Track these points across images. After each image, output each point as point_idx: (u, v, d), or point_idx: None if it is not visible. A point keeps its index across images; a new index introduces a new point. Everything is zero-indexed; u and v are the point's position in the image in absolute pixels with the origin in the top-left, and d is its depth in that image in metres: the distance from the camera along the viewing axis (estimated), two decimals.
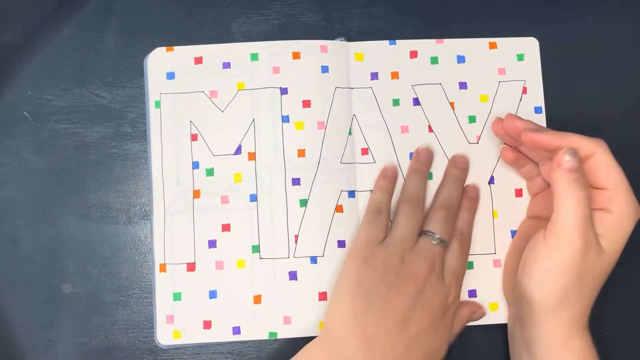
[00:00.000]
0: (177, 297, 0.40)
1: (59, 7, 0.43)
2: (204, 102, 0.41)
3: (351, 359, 0.34)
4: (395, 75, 0.42)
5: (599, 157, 0.35)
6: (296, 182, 0.41)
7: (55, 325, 0.40)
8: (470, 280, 0.41)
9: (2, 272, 0.40)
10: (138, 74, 0.42)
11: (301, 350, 0.36)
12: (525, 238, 0.38)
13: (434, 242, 0.37)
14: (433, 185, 0.41)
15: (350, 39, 0.43)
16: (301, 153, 0.41)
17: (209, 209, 0.41)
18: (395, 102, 0.42)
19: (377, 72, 0.42)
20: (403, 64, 0.42)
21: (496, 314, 0.40)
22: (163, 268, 0.40)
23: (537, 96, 0.42)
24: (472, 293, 0.41)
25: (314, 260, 0.40)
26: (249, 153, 0.41)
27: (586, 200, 0.34)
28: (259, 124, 0.41)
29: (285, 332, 0.40)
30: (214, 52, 0.42)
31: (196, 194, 0.41)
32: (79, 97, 0.42)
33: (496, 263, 0.41)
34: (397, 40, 0.43)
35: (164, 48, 0.42)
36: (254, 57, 0.42)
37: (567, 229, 0.34)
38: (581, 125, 0.43)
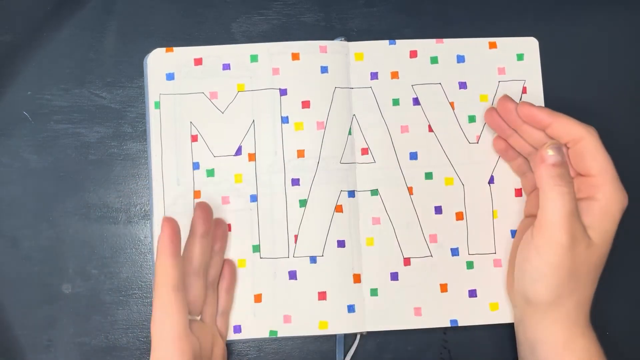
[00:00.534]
0: None
1: (59, 7, 0.43)
2: (204, 103, 0.41)
3: None
4: (395, 75, 0.42)
5: (586, 143, 0.35)
6: (296, 182, 0.41)
7: (55, 325, 0.40)
8: (470, 280, 0.41)
9: (2, 272, 0.40)
10: (138, 74, 0.42)
11: None
12: None
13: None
14: (434, 185, 0.41)
15: (350, 39, 0.43)
16: (301, 153, 0.41)
17: None
18: (395, 102, 0.42)
19: (377, 72, 0.42)
20: (403, 63, 0.42)
21: (496, 314, 0.40)
22: None
23: (537, 96, 0.42)
24: (472, 293, 0.41)
25: (313, 260, 0.40)
26: (249, 154, 0.41)
27: (570, 194, 0.33)
28: (259, 125, 0.41)
29: (286, 331, 0.40)
30: (214, 53, 0.42)
31: (196, 194, 0.41)
32: (79, 97, 0.42)
33: (496, 263, 0.41)
34: (397, 40, 0.43)
35: (164, 49, 0.42)
36: (254, 58, 0.42)
37: (552, 225, 0.33)
38: None
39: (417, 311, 0.40)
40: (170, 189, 0.41)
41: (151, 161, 0.41)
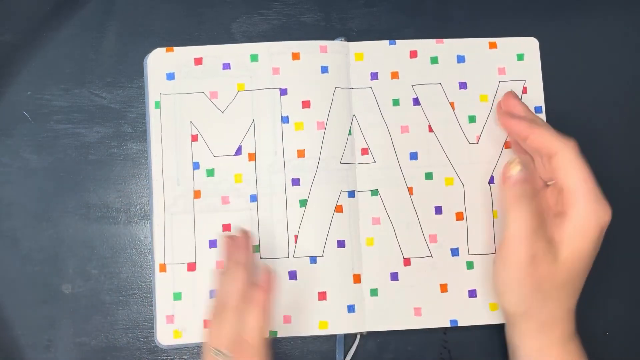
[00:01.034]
0: (177, 297, 0.40)
1: (59, 7, 0.43)
2: (204, 103, 0.41)
3: None
4: (395, 75, 0.42)
5: (560, 157, 0.35)
6: (296, 182, 0.41)
7: (55, 325, 0.40)
8: (470, 280, 0.41)
9: (2, 272, 0.40)
10: (138, 74, 0.42)
11: None
12: None
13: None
14: (434, 185, 0.41)
15: (350, 39, 0.43)
16: (301, 153, 0.41)
17: (210, 210, 0.41)
18: (395, 102, 0.42)
19: (377, 72, 0.42)
20: (403, 64, 0.42)
21: (496, 314, 0.40)
22: (163, 268, 0.40)
23: (537, 96, 0.42)
24: (472, 293, 0.41)
25: (313, 260, 0.40)
26: (249, 154, 0.41)
27: (531, 212, 0.34)
28: (259, 124, 0.41)
29: (285, 331, 0.40)
30: (214, 52, 0.42)
31: (197, 194, 0.41)
32: (79, 97, 0.42)
33: None
34: (397, 40, 0.43)
35: (164, 49, 0.42)
36: (254, 58, 0.42)
37: (513, 243, 0.34)
38: (581, 124, 0.43)
39: (417, 311, 0.40)
40: (171, 189, 0.41)
41: (151, 161, 0.41)
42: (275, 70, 0.42)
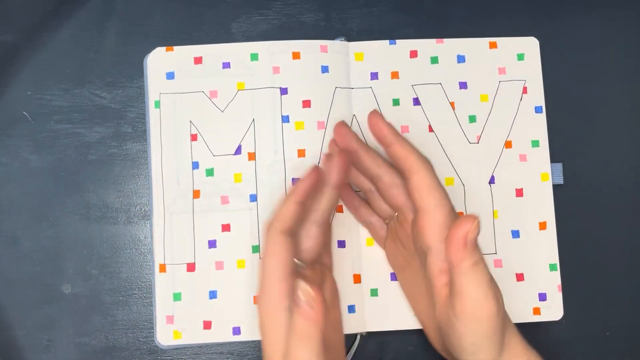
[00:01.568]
0: (177, 297, 0.40)
1: (59, 7, 0.43)
2: (203, 102, 0.41)
3: None
4: (395, 75, 0.42)
5: (421, 177, 0.34)
6: (296, 182, 0.41)
7: (55, 325, 0.40)
8: None
9: (2, 272, 0.40)
10: (138, 74, 0.42)
11: None
12: None
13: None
14: None
15: (350, 38, 0.43)
16: (301, 153, 0.41)
17: (209, 209, 0.41)
18: (395, 102, 0.42)
19: (377, 72, 0.42)
20: (403, 63, 0.42)
21: None
22: (163, 268, 0.40)
23: (537, 96, 0.42)
24: None
25: None
26: (249, 153, 0.41)
27: (484, 266, 0.33)
28: (259, 124, 0.41)
29: None
30: (214, 52, 0.42)
31: (196, 194, 0.41)
32: (79, 97, 0.42)
33: (496, 263, 0.41)
34: (397, 40, 0.43)
35: (164, 48, 0.42)
36: (254, 57, 0.42)
37: (479, 303, 0.33)
38: (581, 124, 0.43)
39: None
40: (170, 188, 0.41)
41: (151, 161, 0.41)
42: (276, 70, 0.42)
